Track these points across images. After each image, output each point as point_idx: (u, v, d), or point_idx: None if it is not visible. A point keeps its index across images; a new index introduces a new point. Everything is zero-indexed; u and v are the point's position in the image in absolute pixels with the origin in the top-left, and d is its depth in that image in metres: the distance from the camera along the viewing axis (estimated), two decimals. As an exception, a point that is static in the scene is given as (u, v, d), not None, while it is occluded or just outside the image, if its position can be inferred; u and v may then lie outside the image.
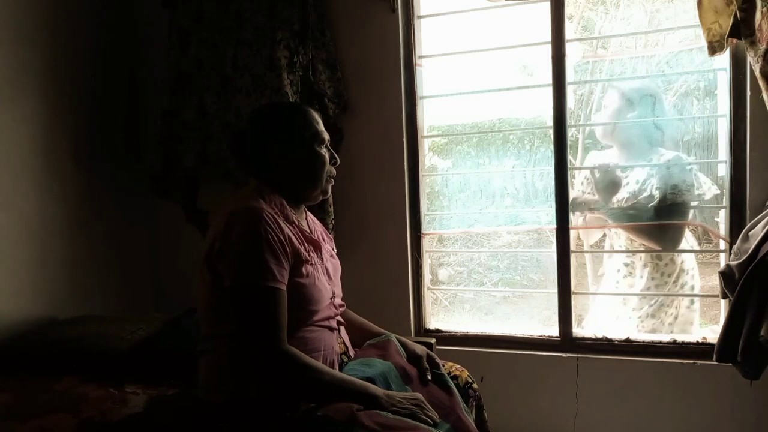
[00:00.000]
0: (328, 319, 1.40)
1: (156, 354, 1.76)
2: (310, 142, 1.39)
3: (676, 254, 2.22)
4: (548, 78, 2.10)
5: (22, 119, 1.99)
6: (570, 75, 2.16)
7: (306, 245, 1.36)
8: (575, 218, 2.31)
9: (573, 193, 2.27)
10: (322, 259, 1.42)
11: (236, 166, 2.13)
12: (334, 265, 1.51)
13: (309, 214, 1.53)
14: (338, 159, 1.47)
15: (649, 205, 2.15)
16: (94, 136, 2.28)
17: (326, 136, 1.43)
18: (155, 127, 2.33)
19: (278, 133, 1.38)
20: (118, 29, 2.39)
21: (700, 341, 2.04)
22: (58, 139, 2.13)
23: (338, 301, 1.48)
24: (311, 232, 1.45)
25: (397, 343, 1.54)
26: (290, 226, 1.34)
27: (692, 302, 2.26)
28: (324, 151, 1.42)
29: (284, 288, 1.26)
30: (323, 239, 1.51)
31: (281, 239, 1.27)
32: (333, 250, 1.56)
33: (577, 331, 2.20)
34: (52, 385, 1.61)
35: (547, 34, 2.09)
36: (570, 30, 2.44)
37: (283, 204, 1.37)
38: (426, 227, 2.34)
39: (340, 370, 1.41)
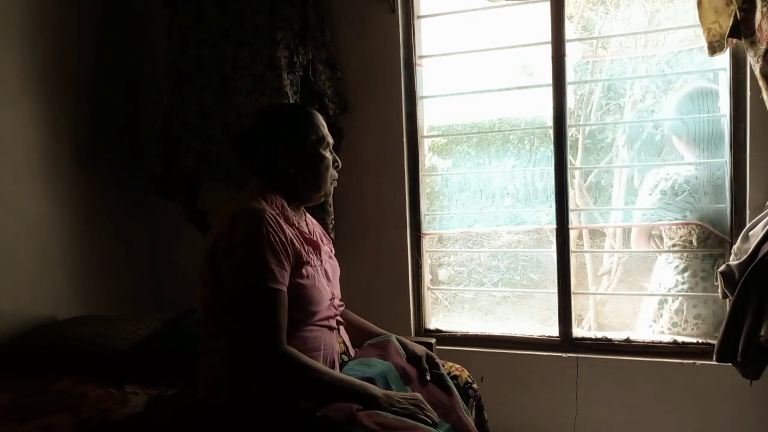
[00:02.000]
0: (327, 318, 1.40)
1: (156, 354, 1.76)
2: (316, 146, 1.40)
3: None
4: (548, 78, 2.10)
5: (22, 119, 1.99)
6: (570, 75, 2.16)
7: (306, 246, 1.36)
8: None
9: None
10: (321, 261, 1.43)
11: (238, 165, 2.13)
12: (332, 266, 1.51)
13: (308, 215, 1.53)
14: (340, 162, 1.48)
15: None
16: (95, 136, 2.27)
17: (331, 139, 1.45)
18: (155, 127, 2.33)
19: (285, 135, 1.38)
20: (118, 29, 2.39)
21: (700, 341, 2.04)
22: (59, 139, 2.13)
23: (337, 301, 1.48)
24: (310, 233, 1.45)
25: (397, 344, 1.54)
26: (290, 228, 1.34)
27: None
28: (328, 154, 1.43)
29: (284, 289, 1.26)
30: (322, 240, 1.51)
31: (283, 240, 1.27)
32: (331, 251, 1.56)
33: (577, 331, 2.20)
34: (52, 385, 1.61)
35: (547, 34, 2.09)
36: (570, 30, 2.44)
37: (284, 205, 1.38)
38: (426, 227, 2.34)
39: (340, 369, 1.41)
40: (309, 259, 1.35)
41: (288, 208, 1.38)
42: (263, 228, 1.25)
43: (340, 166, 1.47)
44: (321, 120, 1.44)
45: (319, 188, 1.42)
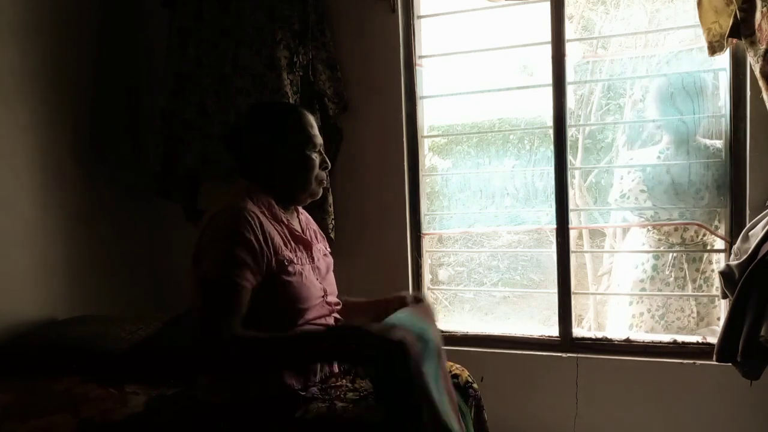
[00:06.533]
0: (323, 317, 1.39)
1: (156, 354, 1.76)
2: (301, 146, 1.38)
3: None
4: (548, 78, 2.10)
5: (22, 119, 1.99)
6: (570, 75, 2.16)
7: (293, 244, 1.35)
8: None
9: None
10: (313, 259, 1.41)
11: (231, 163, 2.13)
12: (327, 263, 1.49)
13: (303, 213, 1.53)
14: (329, 164, 1.46)
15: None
16: (95, 135, 2.28)
17: (319, 140, 1.42)
18: (155, 127, 2.33)
19: (270, 134, 1.37)
20: (118, 29, 2.39)
21: (700, 341, 2.04)
22: (58, 139, 2.13)
23: (332, 298, 1.46)
24: (302, 231, 1.44)
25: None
26: (277, 225, 1.33)
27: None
28: (315, 155, 1.40)
29: (248, 286, 1.23)
30: (316, 238, 1.51)
31: (260, 239, 1.25)
32: (326, 248, 1.55)
33: (577, 331, 2.20)
34: (52, 385, 1.61)
35: (547, 34, 2.09)
36: (570, 30, 2.44)
37: (272, 204, 1.37)
38: (426, 227, 2.34)
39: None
40: (295, 257, 1.34)
41: (276, 207, 1.38)
42: (238, 226, 1.24)
43: (329, 168, 1.45)
44: (310, 120, 1.42)
45: (304, 189, 1.41)
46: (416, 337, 1.21)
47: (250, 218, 1.26)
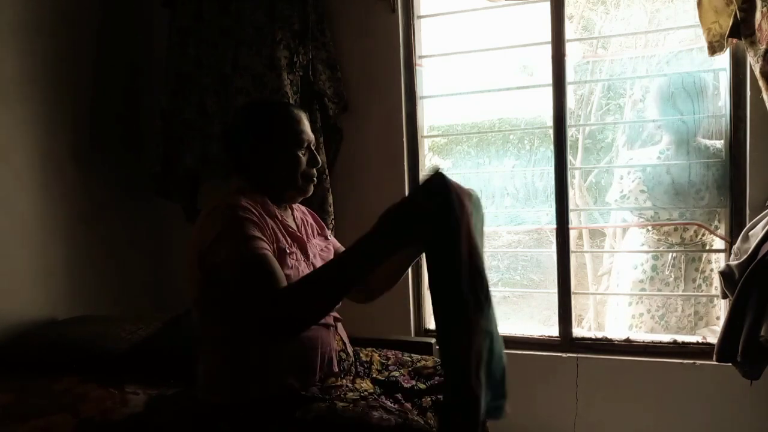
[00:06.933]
0: None
1: (156, 354, 1.76)
2: (286, 144, 1.38)
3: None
4: (548, 78, 2.10)
5: (22, 119, 1.99)
6: (570, 75, 2.16)
7: (288, 240, 1.35)
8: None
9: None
10: (307, 256, 1.40)
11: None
12: (323, 258, 1.48)
13: (299, 209, 1.52)
14: (320, 162, 1.45)
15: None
16: (95, 135, 2.28)
17: (307, 137, 1.40)
18: (155, 127, 2.33)
19: (257, 132, 1.37)
20: (117, 29, 2.39)
21: (700, 341, 2.04)
22: (58, 139, 2.12)
23: None
24: (297, 228, 1.43)
25: None
26: (272, 220, 1.33)
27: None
28: (301, 153, 1.39)
29: (270, 254, 1.23)
30: (313, 234, 1.50)
31: (260, 221, 1.26)
32: (327, 239, 1.55)
33: (577, 331, 2.20)
34: (52, 385, 1.61)
35: (547, 34, 2.09)
36: (570, 30, 2.45)
37: (265, 201, 1.36)
38: (426, 227, 2.33)
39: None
40: (291, 251, 1.34)
41: (270, 204, 1.37)
42: (238, 212, 1.24)
43: (319, 165, 1.44)
44: (298, 117, 1.40)
45: (291, 186, 1.40)
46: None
47: (247, 206, 1.26)
